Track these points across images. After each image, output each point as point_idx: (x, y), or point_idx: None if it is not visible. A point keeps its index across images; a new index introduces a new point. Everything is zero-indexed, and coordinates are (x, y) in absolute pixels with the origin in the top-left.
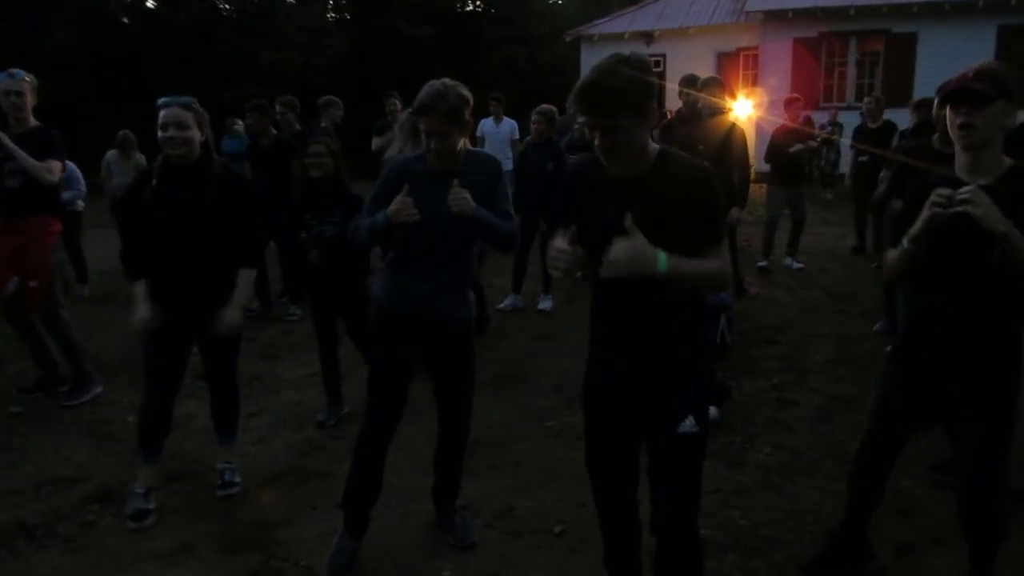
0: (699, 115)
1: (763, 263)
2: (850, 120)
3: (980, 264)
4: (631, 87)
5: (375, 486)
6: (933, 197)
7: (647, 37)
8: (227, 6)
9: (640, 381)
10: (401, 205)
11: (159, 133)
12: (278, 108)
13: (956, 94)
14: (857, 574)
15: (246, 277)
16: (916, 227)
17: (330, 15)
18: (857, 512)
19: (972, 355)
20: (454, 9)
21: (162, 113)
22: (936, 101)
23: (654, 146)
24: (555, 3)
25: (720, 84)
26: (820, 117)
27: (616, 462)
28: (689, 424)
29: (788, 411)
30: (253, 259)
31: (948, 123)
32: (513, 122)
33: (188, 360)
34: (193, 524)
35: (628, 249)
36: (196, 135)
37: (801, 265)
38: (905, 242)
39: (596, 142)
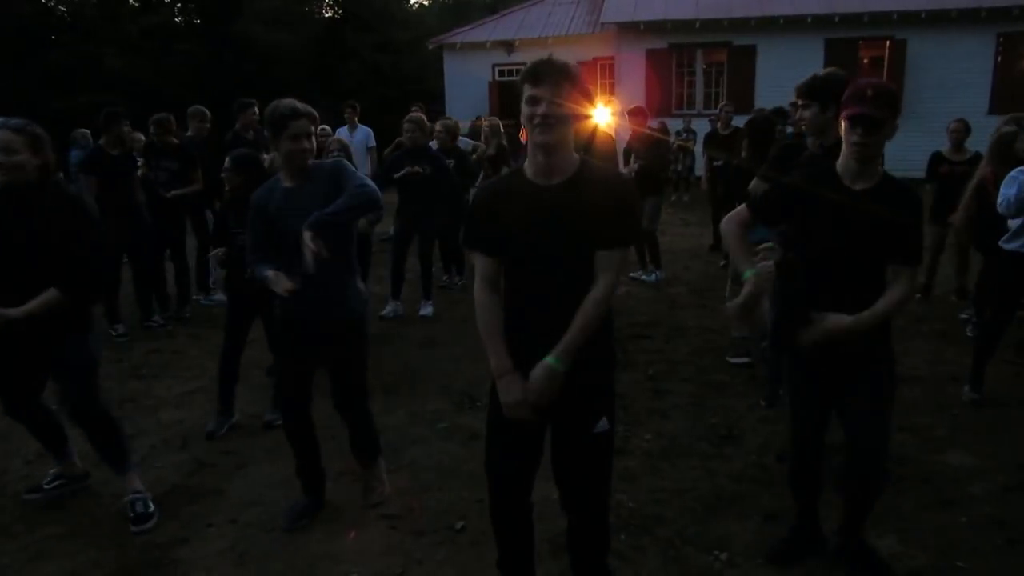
0: None
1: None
2: (701, 126)
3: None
4: (579, 75)
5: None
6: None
7: (508, 46)
8: (62, 8)
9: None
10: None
11: None
12: (152, 128)
13: (857, 118)
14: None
15: (51, 295)
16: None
17: (178, 19)
18: (806, 507)
19: (854, 346)
20: (313, 16)
21: None
22: (797, 104)
23: (575, 156)
24: (416, 10)
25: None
26: (675, 124)
27: (519, 461)
28: (603, 424)
29: (664, 400)
30: (73, 284)
31: (844, 135)
32: (368, 129)
33: (36, 387)
34: (80, 551)
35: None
36: (27, 159)
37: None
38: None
39: (536, 111)
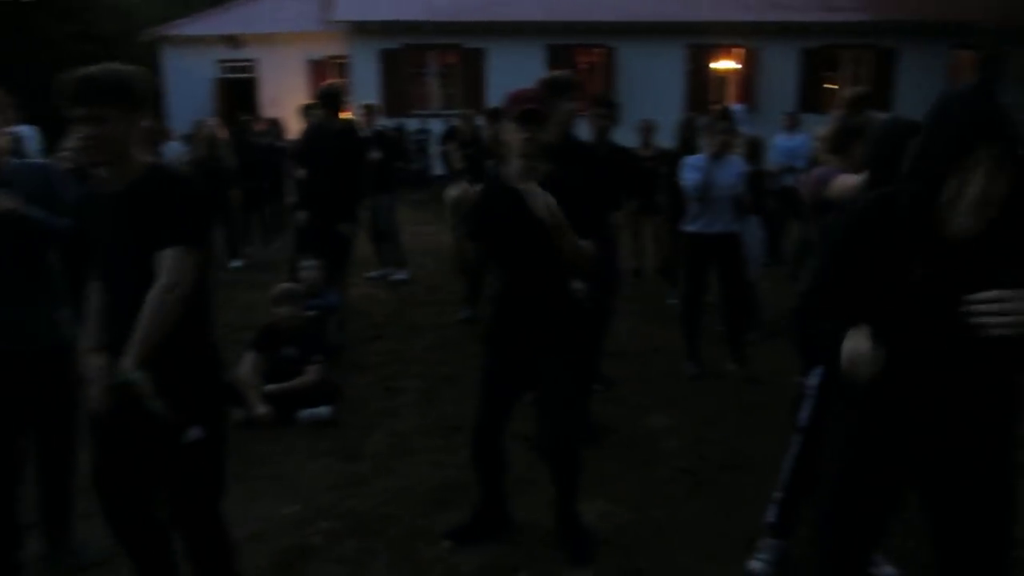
0: None
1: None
2: (437, 127)
3: (536, 251)
4: (123, 85)
5: None
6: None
7: (234, 41)
8: None
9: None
10: None
11: None
12: None
13: None
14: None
15: None
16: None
17: None
18: (488, 483)
19: (540, 330)
20: None
21: None
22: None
23: (145, 159)
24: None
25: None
26: (412, 124)
27: (127, 476)
28: (195, 433)
29: (396, 399)
30: None
31: None
32: (30, 128)
33: None
34: None
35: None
36: None
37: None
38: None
39: (79, 134)
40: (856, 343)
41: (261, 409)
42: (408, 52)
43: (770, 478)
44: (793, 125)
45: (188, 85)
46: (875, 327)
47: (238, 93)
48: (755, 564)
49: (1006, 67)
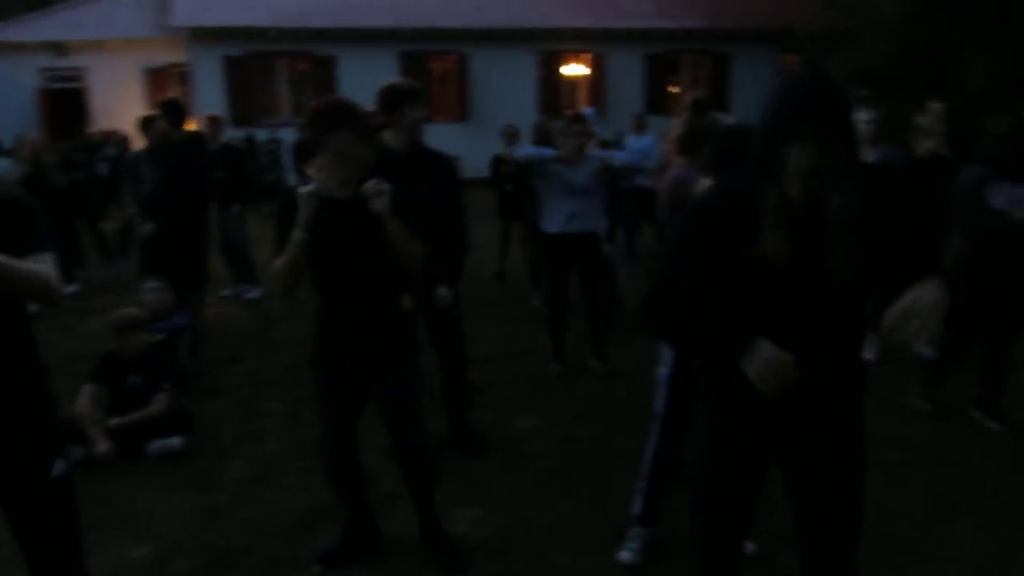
0: None
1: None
2: (289, 136)
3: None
4: None
5: None
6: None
7: (58, 48)
8: None
9: None
10: None
11: None
12: None
13: None
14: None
15: None
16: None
17: None
18: (353, 502)
19: (370, 343)
20: None
21: None
22: None
23: None
24: None
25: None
26: (262, 134)
27: None
28: (60, 467)
29: (257, 422)
30: None
31: None
32: None
33: None
34: None
35: None
36: None
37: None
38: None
39: None
40: (765, 354)
41: (102, 446)
42: (254, 59)
43: (637, 470)
44: (641, 127)
45: (6, 95)
46: (730, 315)
47: (66, 104)
48: (624, 554)
49: (825, 69)
